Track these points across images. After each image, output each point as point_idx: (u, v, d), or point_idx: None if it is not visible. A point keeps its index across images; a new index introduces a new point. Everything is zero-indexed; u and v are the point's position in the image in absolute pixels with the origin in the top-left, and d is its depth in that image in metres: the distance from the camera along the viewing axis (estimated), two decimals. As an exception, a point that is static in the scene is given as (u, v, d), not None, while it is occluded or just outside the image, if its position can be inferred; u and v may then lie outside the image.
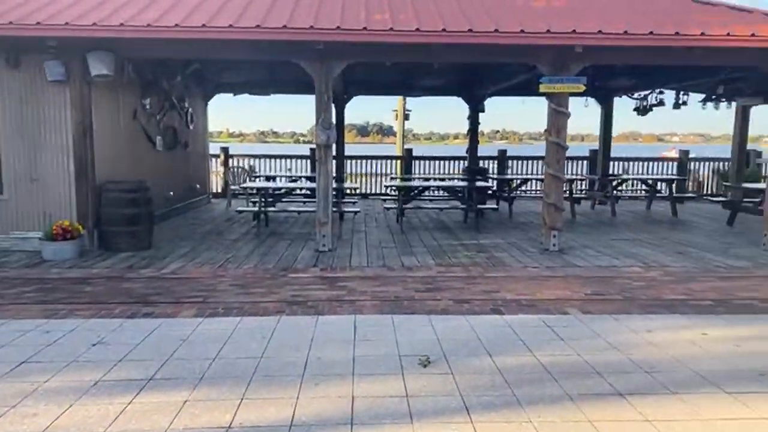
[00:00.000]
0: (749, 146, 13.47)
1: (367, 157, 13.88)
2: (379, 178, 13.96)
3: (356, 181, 13.95)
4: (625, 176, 11.67)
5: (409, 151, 14.22)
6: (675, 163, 14.31)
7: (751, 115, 12.18)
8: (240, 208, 9.65)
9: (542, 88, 7.19)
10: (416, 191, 10.15)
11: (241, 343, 4.00)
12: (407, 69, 10.68)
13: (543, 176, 7.55)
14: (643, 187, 12.20)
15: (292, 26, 6.45)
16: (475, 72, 11.42)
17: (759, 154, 14.20)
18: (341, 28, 6.44)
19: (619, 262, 6.83)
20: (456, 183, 11.04)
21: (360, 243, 7.95)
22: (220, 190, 13.60)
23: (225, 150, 13.85)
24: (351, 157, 13.71)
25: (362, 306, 4.94)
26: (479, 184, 9.89)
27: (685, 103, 10.64)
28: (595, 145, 13.61)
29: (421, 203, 11.34)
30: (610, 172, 13.81)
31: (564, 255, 7.21)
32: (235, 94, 12.62)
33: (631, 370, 3.57)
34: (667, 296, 5.33)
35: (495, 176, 12.40)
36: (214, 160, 13.47)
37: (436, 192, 12.12)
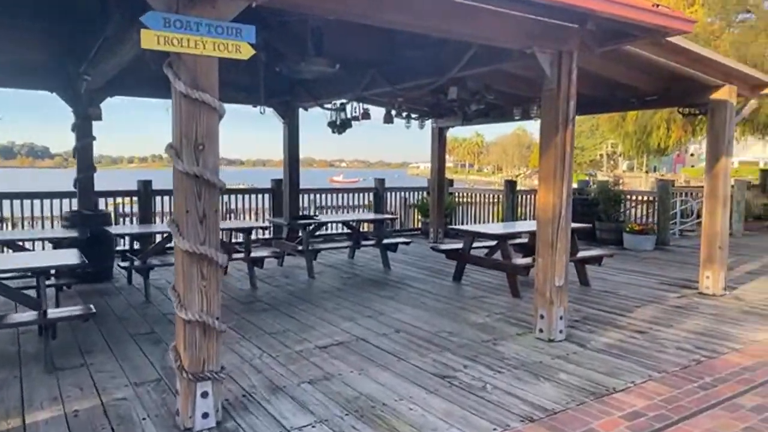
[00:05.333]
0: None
1: None
2: None
3: None
4: (322, 218, 8.23)
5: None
6: (371, 194, 11.85)
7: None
8: None
9: (146, 40, 2.86)
10: None
11: None
12: None
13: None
14: (345, 229, 9.05)
15: None
16: (65, 37, 6.34)
17: (451, 183, 12.88)
18: None
19: (355, 446, 2.98)
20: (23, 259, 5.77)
21: None
22: None
23: None
24: None
25: None
26: (65, 259, 4.87)
27: (400, 115, 7.84)
28: (280, 173, 10.02)
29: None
30: (304, 210, 10.41)
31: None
32: None
33: None
34: None
35: (131, 230, 7.47)
36: None
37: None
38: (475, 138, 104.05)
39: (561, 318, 4.84)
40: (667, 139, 12.59)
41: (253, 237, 9.71)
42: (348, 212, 11.51)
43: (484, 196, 13.09)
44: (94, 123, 7.52)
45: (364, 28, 6.41)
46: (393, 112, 7.48)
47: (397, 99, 7.16)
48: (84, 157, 7.56)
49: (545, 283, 4.84)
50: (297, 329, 5.13)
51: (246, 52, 3.15)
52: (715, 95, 6.44)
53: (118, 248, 7.89)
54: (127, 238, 7.36)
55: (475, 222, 12.63)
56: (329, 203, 11.47)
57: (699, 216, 13.10)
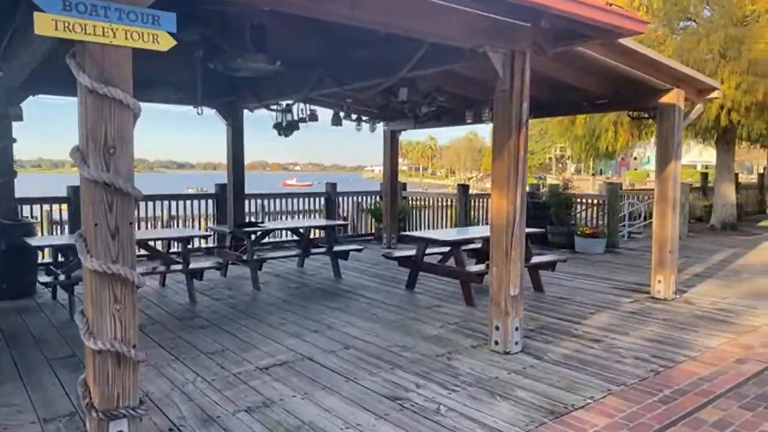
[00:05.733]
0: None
1: None
2: None
3: None
4: (269, 225, 7.81)
5: None
6: (323, 198, 11.49)
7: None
8: None
9: (41, 26, 2.46)
10: None
11: None
12: None
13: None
14: (294, 236, 8.64)
15: None
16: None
17: (404, 186, 12.67)
18: None
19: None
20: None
21: None
22: None
23: None
24: None
25: None
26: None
27: (349, 117, 7.51)
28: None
29: None
30: (251, 216, 9.96)
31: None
32: None
33: None
34: None
35: (56, 242, 6.81)
36: None
37: None
38: (429, 141, 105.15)
39: (517, 329, 4.64)
40: (615, 142, 12.80)
41: (197, 245, 9.24)
42: (300, 218, 11.13)
43: (438, 200, 12.94)
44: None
45: (311, 27, 6.07)
46: (341, 114, 7.15)
47: (345, 100, 6.84)
48: (2, 161, 6.87)
49: (500, 293, 4.63)
50: (237, 348, 4.73)
51: (165, 42, 2.77)
52: (664, 99, 6.45)
53: (43, 260, 7.24)
54: (53, 249, 6.71)
55: (429, 226, 12.45)
56: (280, 208, 11.04)
57: (646, 218, 13.41)
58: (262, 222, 8.11)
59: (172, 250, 7.29)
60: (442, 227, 12.25)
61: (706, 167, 38.18)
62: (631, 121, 11.95)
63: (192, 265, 6.54)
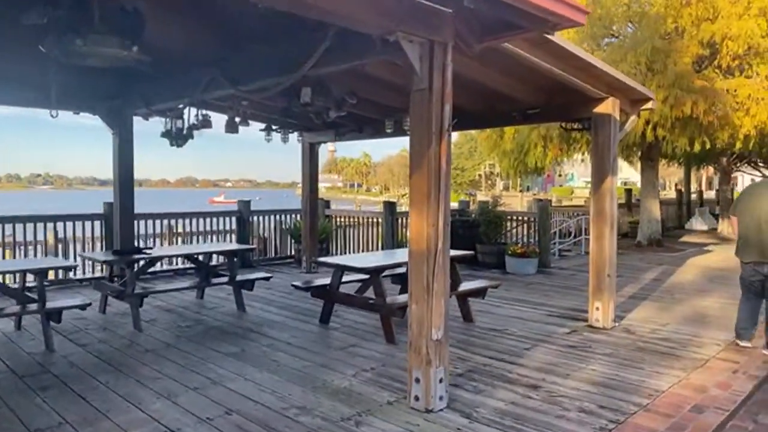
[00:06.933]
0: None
1: None
2: None
3: None
4: (158, 251, 6.62)
5: None
6: (234, 217, 10.34)
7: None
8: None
9: None
10: None
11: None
12: None
13: None
14: (192, 264, 7.44)
15: None
16: None
17: (327, 204, 11.73)
18: None
19: None
20: None
21: None
22: None
23: None
24: None
25: None
26: None
27: (245, 122, 6.48)
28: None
29: None
30: (147, 239, 8.70)
31: None
32: None
33: None
34: None
35: None
36: None
37: None
38: (363, 158, 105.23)
39: (441, 381, 3.79)
40: (544, 158, 12.49)
41: (78, 275, 7.87)
42: (218, 239, 9.97)
43: (366, 218, 12.05)
44: None
45: (203, 18, 5.07)
46: (237, 120, 6.16)
47: (241, 103, 5.87)
48: None
49: (420, 337, 3.77)
50: (80, 419, 3.58)
51: None
52: (599, 109, 5.92)
53: None
54: None
55: (356, 248, 11.54)
56: (192, 229, 9.82)
57: (576, 235, 13.15)
58: (149, 247, 6.90)
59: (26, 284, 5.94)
60: (369, 248, 11.37)
61: (626, 183, 39.69)
62: (560, 136, 11.67)
63: (50, 304, 5.29)
